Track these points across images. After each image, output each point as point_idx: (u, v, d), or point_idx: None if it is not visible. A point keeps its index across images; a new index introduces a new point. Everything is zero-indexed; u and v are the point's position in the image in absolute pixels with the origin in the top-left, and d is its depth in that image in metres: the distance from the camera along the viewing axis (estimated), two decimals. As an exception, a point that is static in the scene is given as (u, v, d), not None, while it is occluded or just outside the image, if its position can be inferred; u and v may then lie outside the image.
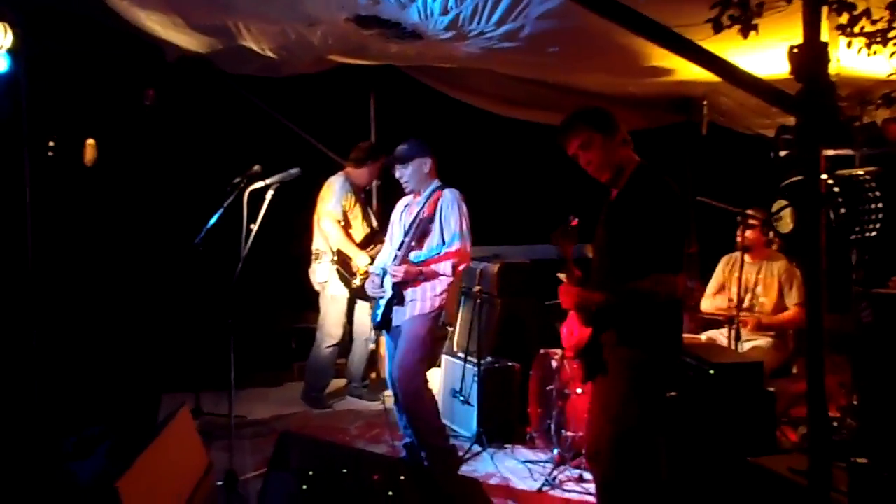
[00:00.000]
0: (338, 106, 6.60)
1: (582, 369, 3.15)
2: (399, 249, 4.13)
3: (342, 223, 5.50)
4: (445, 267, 4.08)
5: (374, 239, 5.64)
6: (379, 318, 4.22)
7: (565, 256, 3.16)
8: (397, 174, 4.22)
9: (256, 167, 4.24)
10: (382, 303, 4.20)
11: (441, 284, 4.11)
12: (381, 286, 4.22)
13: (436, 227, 4.10)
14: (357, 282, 5.48)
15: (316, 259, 5.61)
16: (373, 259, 5.41)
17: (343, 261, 5.50)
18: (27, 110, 4.03)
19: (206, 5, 4.35)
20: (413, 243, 4.08)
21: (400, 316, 4.14)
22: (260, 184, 4.05)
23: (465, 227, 4.10)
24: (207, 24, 4.59)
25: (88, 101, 5.08)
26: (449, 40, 4.48)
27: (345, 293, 5.61)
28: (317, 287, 5.67)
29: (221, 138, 6.18)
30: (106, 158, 4.64)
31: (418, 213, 4.14)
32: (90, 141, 4.53)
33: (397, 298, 4.12)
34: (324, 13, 4.30)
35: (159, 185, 5.97)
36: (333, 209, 5.48)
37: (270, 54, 5.05)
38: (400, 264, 4.06)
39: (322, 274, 5.59)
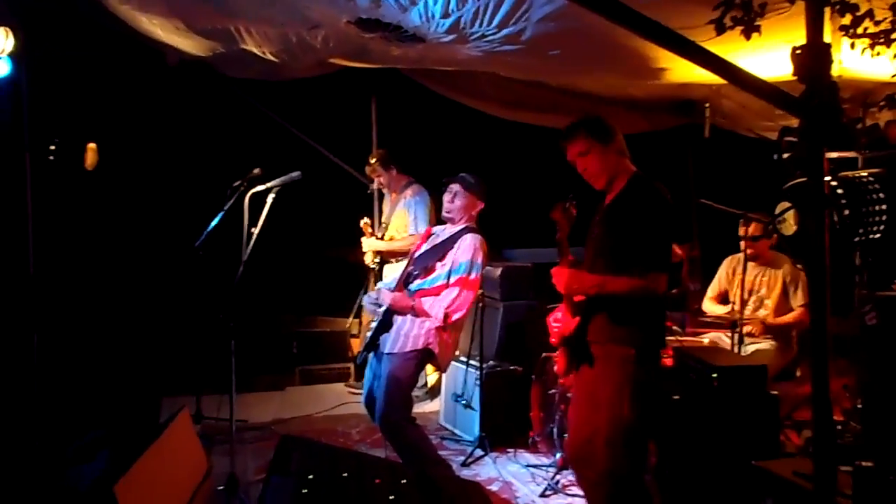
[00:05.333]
0: (339, 109, 6.60)
1: (566, 359, 3.18)
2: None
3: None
4: (438, 312, 3.84)
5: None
6: (367, 340, 4.06)
7: (561, 234, 3.27)
8: (446, 198, 4.07)
9: (257, 170, 4.23)
10: (373, 325, 4.05)
11: (430, 323, 3.88)
12: (380, 306, 4.03)
13: (445, 265, 3.93)
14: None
15: None
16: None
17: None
18: (29, 114, 4.03)
19: (207, 9, 4.35)
20: (416, 272, 3.96)
21: (385, 344, 3.94)
22: (261, 187, 4.03)
23: (475, 263, 3.89)
24: (209, 27, 4.59)
25: (90, 105, 5.09)
26: (450, 43, 4.47)
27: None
28: None
29: (222, 142, 6.18)
30: (107, 162, 4.64)
31: (436, 245, 4.03)
32: (91, 145, 4.53)
33: (385, 324, 3.94)
34: (325, 16, 4.30)
35: (160, 188, 5.98)
36: None
37: (272, 58, 5.05)
38: (394, 291, 3.93)
39: None
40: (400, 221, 5.70)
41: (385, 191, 5.91)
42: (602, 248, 3.12)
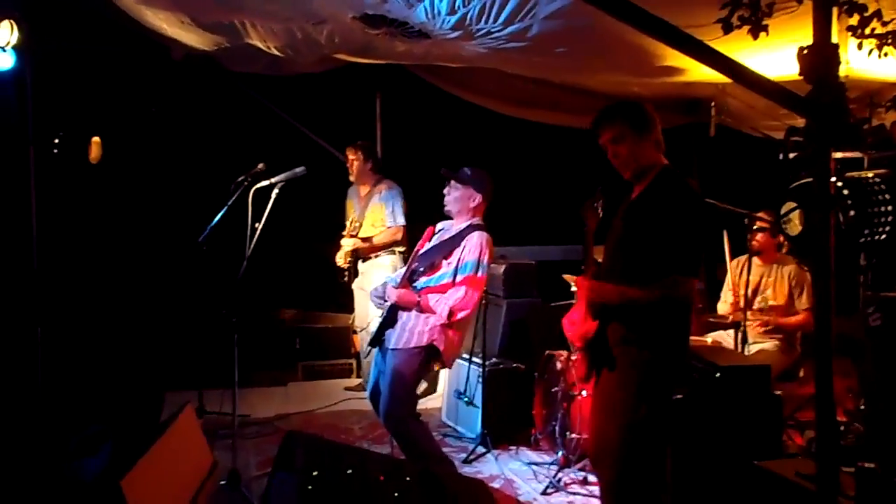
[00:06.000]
0: (344, 105, 6.60)
1: (585, 363, 3.12)
2: (405, 273, 3.99)
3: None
4: (443, 309, 3.81)
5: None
6: (373, 335, 4.04)
7: (588, 231, 3.14)
8: (445, 191, 4.05)
9: (260, 165, 4.24)
10: (377, 321, 4.04)
11: (435, 320, 3.85)
12: (385, 301, 4.01)
13: (451, 263, 3.91)
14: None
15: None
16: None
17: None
18: (33, 107, 4.03)
19: (213, 3, 4.34)
20: (422, 269, 3.94)
21: (391, 339, 3.92)
22: (265, 182, 4.04)
23: (482, 262, 3.86)
24: (214, 22, 4.59)
25: (94, 99, 5.10)
26: (456, 40, 4.46)
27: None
28: None
29: (227, 137, 6.18)
30: (111, 156, 4.65)
31: (443, 242, 4.01)
32: (95, 139, 4.54)
33: (391, 320, 3.93)
34: (330, 12, 4.29)
35: (164, 183, 5.99)
36: None
37: (276, 53, 5.05)
38: (399, 287, 3.92)
39: None
40: (375, 216, 5.67)
41: (352, 178, 5.85)
42: (623, 246, 2.99)
